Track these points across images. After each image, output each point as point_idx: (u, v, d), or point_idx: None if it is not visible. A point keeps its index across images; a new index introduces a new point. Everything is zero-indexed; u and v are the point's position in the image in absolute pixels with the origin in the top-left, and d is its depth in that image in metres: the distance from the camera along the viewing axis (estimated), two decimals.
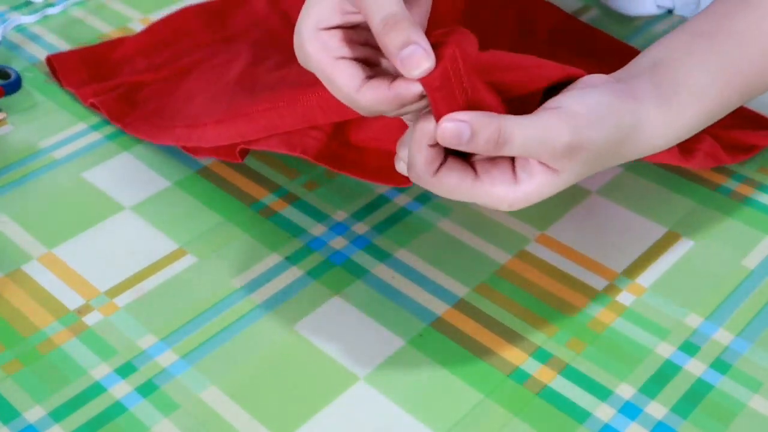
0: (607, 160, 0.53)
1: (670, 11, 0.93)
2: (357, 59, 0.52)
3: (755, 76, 0.58)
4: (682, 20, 0.92)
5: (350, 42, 0.52)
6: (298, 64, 0.78)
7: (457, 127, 0.48)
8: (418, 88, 0.49)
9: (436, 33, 0.52)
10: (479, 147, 0.49)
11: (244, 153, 0.69)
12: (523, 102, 0.54)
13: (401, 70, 0.48)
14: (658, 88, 0.55)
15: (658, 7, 0.93)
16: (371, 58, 0.53)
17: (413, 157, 0.51)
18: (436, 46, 0.50)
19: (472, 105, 0.50)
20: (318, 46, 0.51)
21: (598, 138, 0.51)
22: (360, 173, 0.67)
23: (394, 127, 0.67)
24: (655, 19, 0.92)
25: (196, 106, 0.76)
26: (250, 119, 0.68)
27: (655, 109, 0.54)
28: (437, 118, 0.49)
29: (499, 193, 0.51)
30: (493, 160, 0.52)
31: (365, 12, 0.50)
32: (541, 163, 0.51)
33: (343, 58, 0.52)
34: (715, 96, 0.56)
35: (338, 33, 0.52)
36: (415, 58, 0.48)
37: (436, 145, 0.50)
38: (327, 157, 0.67)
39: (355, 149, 0.69)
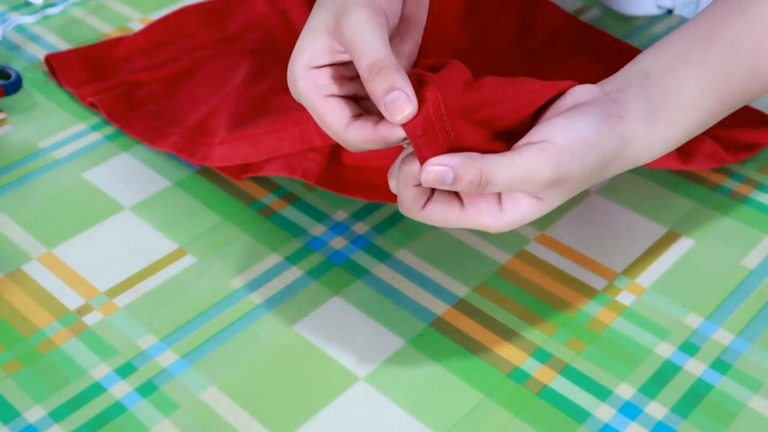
0: (592, 181, 0.54)
1: (670, 11, 0.93)
2: (346, 96, 0.54)
3: (748, 85, 0.57)
4: (683, 20, 0.92)
5: (340, 78, 0.54)
6: None
7: (440, 171, 0.50)
8: (401, 133, 0.51)
9: (422, 64, 0.53)
10: (463, 188, 0.50)
11: (248, 173, 0.71)
12: (513, 129, 0.54)
13: (385, 115, 0.50)
14: (647, 101, 0.55)
15: (659, 7, 0.93)
16: (360, 93, 0.55)
17: (401, 194, 0.52)
18: (420, 85, 0.51)
19: (455, 147, 0.51)
20: (309, 84, 0.53)
21: (581, 169, 0.52)
22: (362, 194, 0.68)
23: None
24: (655, 19, 0.92)
25: (197, 117, 0.76)
26: (252, 142, 0.69)
27: (644, 126, 0.54)
28: (421, 162, 0.50)
29: (485, 221, 0.52)
30: None
31: (353, 56, 0.52)
32: (526, 194, 0.52)
33: (333, 95, 0.54)
34: (706, 108, 0.56)
35: (329, 71, 0.54)
36: (398, 103, 0.50)
37: (420, 184, 0.51)
38: (327, 180, 0.69)
39: (353, 169, 0.70)
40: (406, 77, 0.51)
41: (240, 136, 0.70)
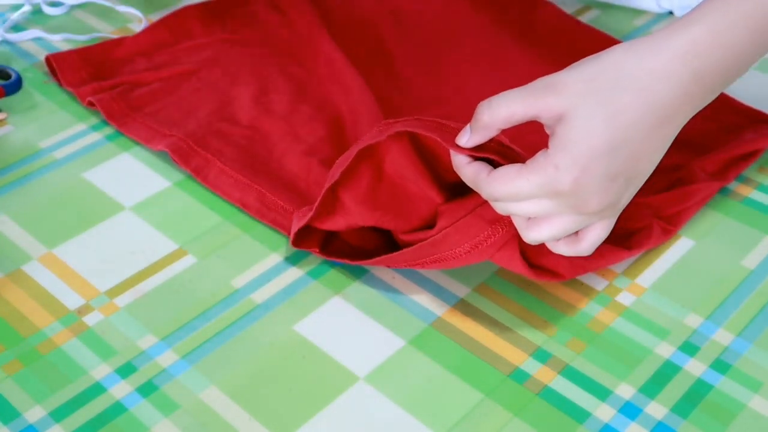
0: (611, 90, 0.53)
1: (670, 12, 0.93)
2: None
3: None
4: None
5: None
6: (309, 102, 0.79)
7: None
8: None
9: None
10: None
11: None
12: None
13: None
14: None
15: (659, 6, 0.93)
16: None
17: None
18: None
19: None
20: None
21: (586, 68, 0.53)
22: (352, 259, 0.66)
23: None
24: (655, 20, 0.92)
25: (196, 124, 0.76)
26: (244, 189, 0.71)
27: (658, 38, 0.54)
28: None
29: (540, 161, 0.53)
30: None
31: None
32: (553, 128, 0.53)
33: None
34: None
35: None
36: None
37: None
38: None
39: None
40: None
41: (240, 180, 0.71)
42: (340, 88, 0.79)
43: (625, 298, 0.64)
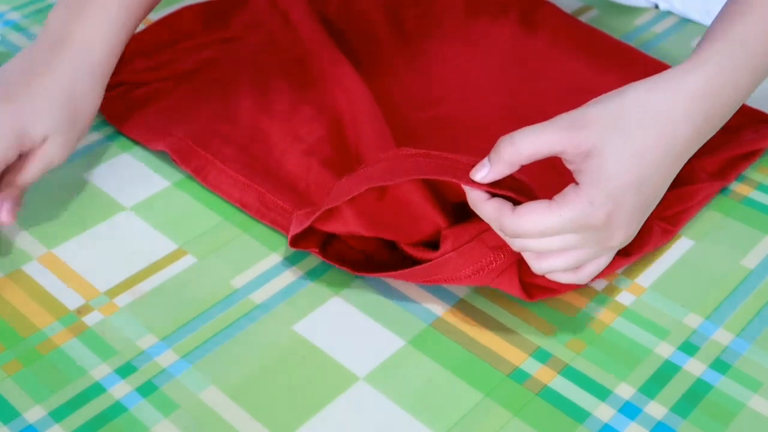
0: (636, 122, 0.55)
1: (669, 12, 0.93)
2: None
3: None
4: (682, 21, 0.92)
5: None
6: (309, 102, 0.79)
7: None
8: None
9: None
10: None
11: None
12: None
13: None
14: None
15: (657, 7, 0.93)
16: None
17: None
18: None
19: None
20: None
21: (607, 103, 0.56)
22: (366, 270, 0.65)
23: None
24: (654, 19, 0.92)
25: (197, 125, 0.76)
26: (244, 189, 0.71)
27: (678, 69, 0.57)
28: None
29: (571, 197, 0.55)
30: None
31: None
32: (581, 164, 0.55)
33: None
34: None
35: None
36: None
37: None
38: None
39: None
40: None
41: (240, 180, 0.71)
42: (340, 88, 0.79)
43: (625, 298, 0.64)
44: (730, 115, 0.60)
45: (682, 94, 0.56)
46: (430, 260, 0.61)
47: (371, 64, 0.85)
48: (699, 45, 0.59)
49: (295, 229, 0.63)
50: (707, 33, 0.60)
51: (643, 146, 0.55)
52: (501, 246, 0.59)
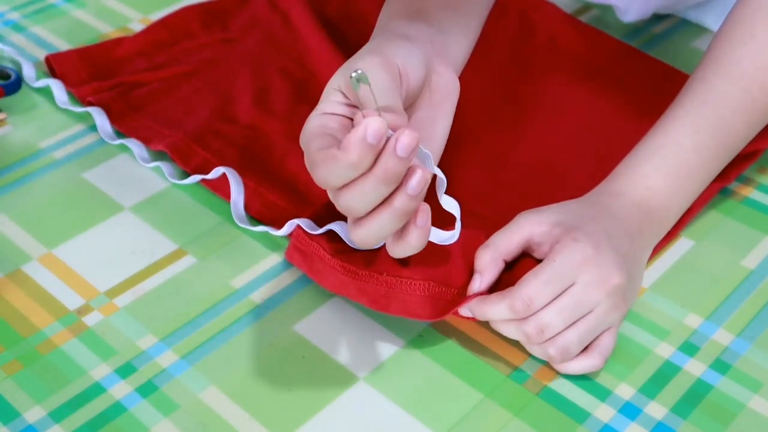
0: (596, 222, 0.60)
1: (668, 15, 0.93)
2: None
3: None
4: (681, 21, 0.92)
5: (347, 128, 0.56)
6: (309, 102, 0.79)
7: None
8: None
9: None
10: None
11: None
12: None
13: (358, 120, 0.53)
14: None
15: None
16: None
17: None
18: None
19: None
20: (317, 124, 0.55)
21: (576, 208, 0.61)
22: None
23: None
24: (655, 20, 0.92)
25: (196, 124, 0.76)
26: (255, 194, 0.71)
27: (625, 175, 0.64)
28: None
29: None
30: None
31: (360, 104, 0.55)
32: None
33: (330, 135, 0.54)
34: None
35: (339, 119, 0.56)
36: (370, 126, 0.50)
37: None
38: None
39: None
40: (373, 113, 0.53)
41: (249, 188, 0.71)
42: None
43: None
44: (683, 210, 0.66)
45: (627, 203, 0.62)
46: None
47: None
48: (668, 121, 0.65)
49: (291, 252, 0.63)
50: (679, 109, 0.65)
51: (608, 225, 0.60)
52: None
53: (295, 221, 0.64)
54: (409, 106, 0.60)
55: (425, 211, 0.53)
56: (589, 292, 0.56)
